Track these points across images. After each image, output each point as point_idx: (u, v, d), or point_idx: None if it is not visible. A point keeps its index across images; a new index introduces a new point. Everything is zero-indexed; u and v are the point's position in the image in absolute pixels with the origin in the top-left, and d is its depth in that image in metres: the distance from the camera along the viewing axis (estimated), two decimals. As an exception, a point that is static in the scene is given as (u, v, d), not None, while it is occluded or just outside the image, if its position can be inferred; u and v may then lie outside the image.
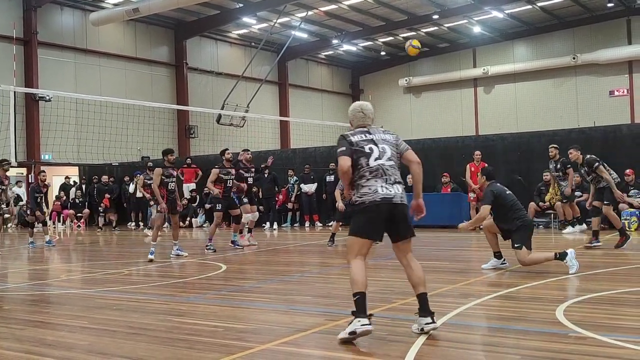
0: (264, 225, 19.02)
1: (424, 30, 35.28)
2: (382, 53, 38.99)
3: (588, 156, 10.79)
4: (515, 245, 8.15)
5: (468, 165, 15.82)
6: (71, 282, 8.97)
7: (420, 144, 17.83)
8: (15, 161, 9.69)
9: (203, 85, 32.31)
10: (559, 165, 14.15)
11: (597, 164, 10.56)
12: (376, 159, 5.09)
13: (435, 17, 31.72)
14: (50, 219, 21.95)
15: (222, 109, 25.59)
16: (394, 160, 5.19)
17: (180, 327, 5.54)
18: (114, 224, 21.45)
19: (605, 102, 32.55)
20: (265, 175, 18.56)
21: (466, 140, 18.56)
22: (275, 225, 18.94)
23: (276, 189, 19.06)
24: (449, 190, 16.64)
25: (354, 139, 5.15)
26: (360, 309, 4.91)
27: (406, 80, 39.21)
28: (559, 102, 33.82)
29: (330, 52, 38.81)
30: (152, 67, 30.38)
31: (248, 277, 8.95)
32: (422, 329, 4.96)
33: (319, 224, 18.96)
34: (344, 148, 5.12)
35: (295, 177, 19.23)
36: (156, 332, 5.40)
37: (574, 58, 33.14)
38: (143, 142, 25.74)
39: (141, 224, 21.82)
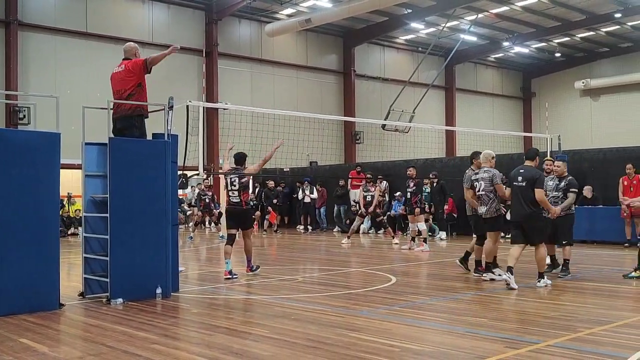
0: (431, 234, 18.83)
1: (604, 30, 33.04)
2: (557, 54, 37.09)
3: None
4: None
5: (621, 179, 14.70)
6: (250, 287, 9.42)
7: (601, 153, 16.72)
8: (203, 171, 10.38)
9: (370, 92, 32.68)
10: None
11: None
12: None
13: (618, 15, 29.57)
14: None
15: (388, 114, 25.65)
16: None
17: (357, 344, 5.61)
18: (275, 227, 22.17)
19: None
20: (434, 185, 18.35)
21: (655, 150, 17.04)
22: (443, 235, 18.65)
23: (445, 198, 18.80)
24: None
25: None
26: None
27: (583, 82, 36.93)
28: None
29: (500, 55, 37.54)
30: (321, 75, 31.25)
31: (419, 292, 8.87)
32: None
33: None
34: None
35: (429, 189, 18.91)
36: (335, 347, 5.51)
37: None
38: (311, 148, 26.59)
39: (309, 227, 22.49)
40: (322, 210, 22.78)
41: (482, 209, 9.57)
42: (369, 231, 20.88)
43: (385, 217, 18.94)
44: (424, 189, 17.35)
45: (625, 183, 14.81)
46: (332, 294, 8.53)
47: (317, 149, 27.11)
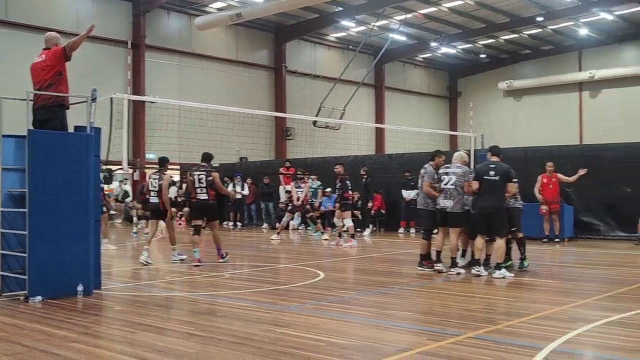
0: (358, 230, 19.16)
1: (527, 32, 34.26)
2: (482, 55, 38.16)
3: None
4: None
5: (540, 177, 15.31)
6: (176, 284, 9.29)
7: (522, 151, 17.29)
8: (128, 166, 10.13)
9: (301, 88, 32.74)
10: None
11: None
12: None
13: (540, 19, 30.71)
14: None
15: (319, 111, 25.78)
16: None
17: (284, 339, 5.60)
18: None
19: None
20: (363, 181, 18.71)
21: (571, 149, 17.78)
22: (369, 230, 18.91)
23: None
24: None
25: None
26: None
27: (507, 83, 38.19)
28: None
29: (428, 55, 38.35)
30: (252, 70, 31.08)
31: (347, 287, 8.95)
32: None
33: (412, 230, 18.74)
34: None
35: (318, 182, 19.18)
36: (261, 343, 5.48)
37: (690, 62, 31.19)
38: (242, 144, 26.44)
39: (239, 223, 22.32)
40: (252, 206, 22.65)
41: (448, 203, 9.73)
42: (299, 227, 20.91)
43: (314, 213, 19.03)
44: (311, 185, 17.45)
45: (545, 180, 15.40)
46: (260, 290, 8.50)
47: (248, 145, 27.03)
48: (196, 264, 10.94)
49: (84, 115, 8.21)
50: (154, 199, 11.78)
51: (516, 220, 10.18)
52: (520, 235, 10.26)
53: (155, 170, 12.01)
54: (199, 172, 11.29)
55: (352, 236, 14.86)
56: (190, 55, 28.57)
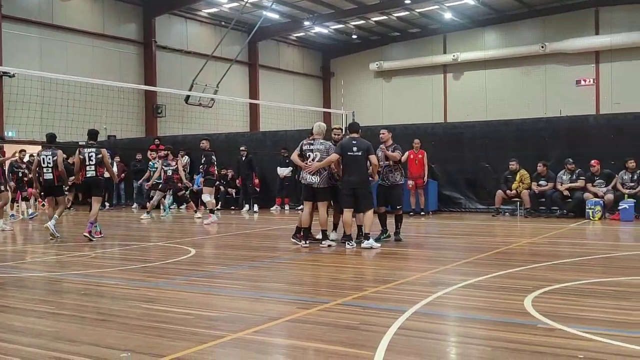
0: (232, 207, 19.11)
1: (396, 15, 35.27)
2: (354, 36, 38.91)
3: None
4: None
5: (407, 153, 16.03)
6: (37, 265, 8.83)
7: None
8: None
9: (172, 64, 31.82)
10: None
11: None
12: None
13: (407, 1, 31.71)
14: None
15: (191, 88, 25.24)
16: None
17: (150, 314, 5.49)
18: (68, 204, 20.50)
19: (571, 92, 32.97)
20: (243, 159, 18.70)
21: (435, 127, 18.65)
22: (247, 207, 18.93)
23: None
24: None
25: None
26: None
27: (377, 64, 39.22)
28: (527, 91, 34.10)
29: (302, 34, 38.56)
30: (120, 45, 29.80)
31: (218, 262, 8.91)
32: None
33: (287, 207, 18.97)
34: None
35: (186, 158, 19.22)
36: (126, 318, 5.34)
37: (542, 47, 33.47)
38: (110, 121, 25.39)
39: (107, 204, 21.47)
40: (121, 185, 21.86)
41: (314, 179, 9.90)
42: (171, 206, 20.43)
43: (187, 192, 18.67)
44: (166, 164, 16.99)
45: (412, 157, 16.10)
46: (128, 267, 8.27)
47: (116, 121, 25.98)
48: (98, 236, 11.83)
49: None
50: (48, 175, 11.94)
51: (400, 198, 10.63)
52: (400, 212, 10.70)
53: (46, 147, 12.18)
54: (89, 150, 11.60)
55: (211, 212, 14.86)
56: (53, 28, 26.90)
